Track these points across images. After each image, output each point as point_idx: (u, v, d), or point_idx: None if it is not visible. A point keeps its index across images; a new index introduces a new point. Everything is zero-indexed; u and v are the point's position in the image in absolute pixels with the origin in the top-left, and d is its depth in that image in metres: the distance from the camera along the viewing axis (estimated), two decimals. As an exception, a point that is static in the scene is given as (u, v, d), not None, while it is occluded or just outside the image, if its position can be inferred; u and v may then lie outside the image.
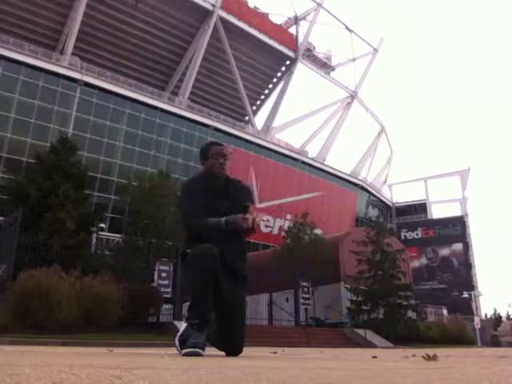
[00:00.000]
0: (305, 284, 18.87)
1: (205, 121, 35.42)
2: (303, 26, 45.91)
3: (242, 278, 3.27)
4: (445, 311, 28.51)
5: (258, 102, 47.20)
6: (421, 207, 54.48)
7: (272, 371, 1.72)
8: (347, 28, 47.96)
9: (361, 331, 17.23)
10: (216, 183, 3.31)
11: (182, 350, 2.96)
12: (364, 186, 48.41)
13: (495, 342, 27.27)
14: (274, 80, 46.14)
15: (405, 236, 49.66)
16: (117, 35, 35.95)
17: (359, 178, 48.29)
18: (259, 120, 45.63)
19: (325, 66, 48.24)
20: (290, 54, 44.22)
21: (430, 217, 53.49)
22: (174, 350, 3.24)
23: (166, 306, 14.44)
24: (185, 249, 3.16)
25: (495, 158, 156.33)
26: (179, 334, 3.14)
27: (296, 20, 45.99)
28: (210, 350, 3.10)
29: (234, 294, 3.15)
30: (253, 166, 35.58)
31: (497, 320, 44.12)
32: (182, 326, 3.16)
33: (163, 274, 14.37)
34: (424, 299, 28.10)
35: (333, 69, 49.47)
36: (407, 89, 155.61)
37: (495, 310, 50.92)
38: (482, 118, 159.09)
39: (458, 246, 50.28)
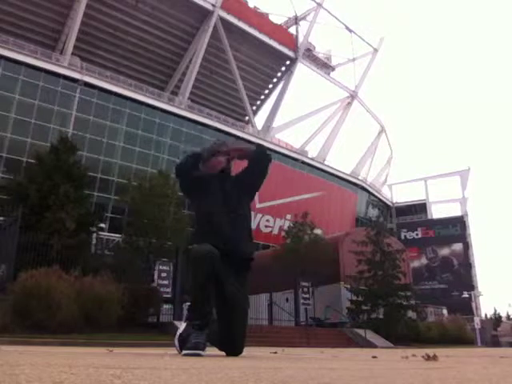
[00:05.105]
0: (305, 284, 18.86)
1: (205, 121, 35.43)
2: (303, 25, 45.98)
3: (245, 272, 3.27)
4: (445, 311, 28.53)
5: (258, 102, 47.20)
6: (421, 207, 54.48)
7: (272, 371, 1.72)
8: (347, 28, 47.98)
9: (361, 331, 17.23)
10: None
11: (182, 350, 2.97)
12: (364, 186, 48.40)
13: (495, 342, 27.24)
14: (274, 80, 46.14)
15: (405, 236, 49.66)
16: (117, 35, 35.95)
17: (359, 177, 48.29)
18: (259, 120, 45.70)
19: (325, 65, 48.24)
20: (290, 54, 44.22)
21: (430, 217, 53.50)
22: (174, 350, 3.24)
23: (165, 306, 14.43)
24: (191, 243, 3.19)
25: (495, 158, 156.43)
26: (179, 333, 3.14)
27: (296, 20, 45.98)
28: (211, 350, 3.09)
29: (236, 293, 3.15)
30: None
31: (497, 320, 44.05)
32: (182, 325, 3.17)
33: (163, 274, 14.36)
34: (424, 299, 28.09)
35: (333, 69, 49.47)
36: (407, 89, 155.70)
37: (495, 310, 50.85)
38: (482, 118, 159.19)
39: (458, 246, 50.29)
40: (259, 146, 3.61)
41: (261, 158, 3.46)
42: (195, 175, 3.29)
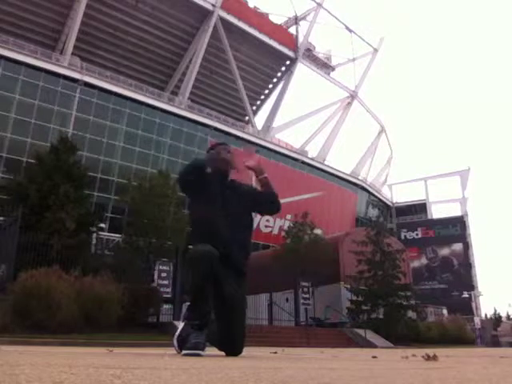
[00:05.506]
0: (305, 284, 18.86)
1: (205, 121, 35.41)
2: (303, 25, 45.98)
3: (243, 271, 3.29)
4: (445, 311, 28.52)
5: (258, 102, 47.19)
6: (421, 207, 54.47)
7: (272, 371, 1.72)
8: (347, 28, 47.98)
9: (361, 331, 17.24)
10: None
11: (181, 350, 2.96)
12: (364, 186, 48.39)
13: (495, 342, 27.25)
14: (274, 80, 46.13)
15: (405, 236, 49.66)
16: (117, 35, 35.95)
17: (359, 177, 48.28)
18: (259, 120, 45.69)
19: (325, 65, 48.23)
20: (290, 54, 44.22)
21: (430, 217, 53.49)
22: (173, 350, 3.24)
23: (165, 306, 14.43)
24: (187, 244, 3.21)
25: (495, 158, 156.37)
26: (177, 334, 3.14)
27: (296, 20, 45.98)
28: (210, 350, 3.09)
29: (235, 294, 3.15)
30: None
31: (497, 320, 44.05)
32: (180, 325, 3.17)
33: (163, 274, 14.36)
34: (424, 299, 28.09)
35: (333, 69, 49.47)
36: (407, 89, 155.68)
37: (495, 310, 50.85)
38: (482, 117, 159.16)
39: (458, 246, 50.29)
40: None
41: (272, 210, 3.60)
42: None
